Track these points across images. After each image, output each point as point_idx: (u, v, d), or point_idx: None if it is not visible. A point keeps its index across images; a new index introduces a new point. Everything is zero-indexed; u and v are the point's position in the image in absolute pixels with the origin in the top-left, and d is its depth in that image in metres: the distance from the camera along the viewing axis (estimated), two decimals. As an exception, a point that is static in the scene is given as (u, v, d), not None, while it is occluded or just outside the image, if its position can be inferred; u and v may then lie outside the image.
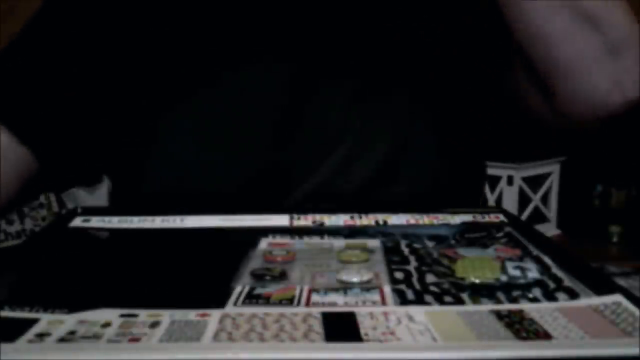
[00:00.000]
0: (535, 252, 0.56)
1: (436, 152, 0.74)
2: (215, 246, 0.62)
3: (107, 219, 0.66)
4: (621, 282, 0.44)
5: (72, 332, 0.38)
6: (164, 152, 0.74)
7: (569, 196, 1.89)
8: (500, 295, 0.48)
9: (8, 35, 0.70)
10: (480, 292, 0.49)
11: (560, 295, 0.46)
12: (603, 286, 0.46)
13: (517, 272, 0.50)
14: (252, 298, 0.46)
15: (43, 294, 0.46)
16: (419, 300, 0.46)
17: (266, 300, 0.45)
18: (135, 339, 0.37)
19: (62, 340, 0.37)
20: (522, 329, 0.39)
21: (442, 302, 0.46)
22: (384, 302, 0.45)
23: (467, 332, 0.39)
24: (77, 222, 0.66)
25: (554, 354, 0.35)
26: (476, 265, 0.51)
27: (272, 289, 0.48)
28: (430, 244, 0.63)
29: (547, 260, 0.54)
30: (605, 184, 1.87)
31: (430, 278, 0.52)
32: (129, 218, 0.67)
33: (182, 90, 0.74)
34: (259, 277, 0.50)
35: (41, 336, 0.37)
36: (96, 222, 0.66)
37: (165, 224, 0.66)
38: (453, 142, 0.72)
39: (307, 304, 0.45)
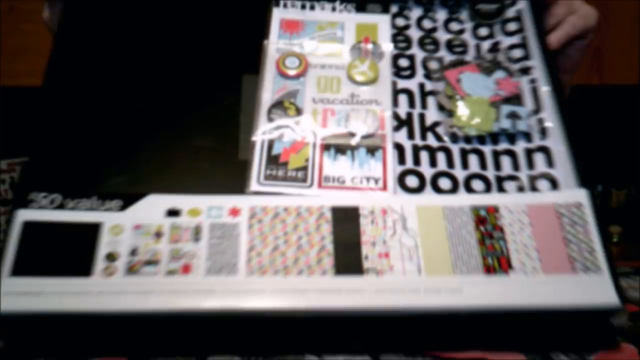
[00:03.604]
0: (534, 74, 0.59)
1: None
2: (224, 21, 0.62)
3: None
4: (621, 282, 0.50)
5: (134, 251, 0.48)
6: None
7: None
8: (487, 148, 0.55)
9: (8, 34, 0.54)
10: (471, 141, 0.56)
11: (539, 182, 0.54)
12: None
13: (508, 123, 0.56)
14: (272, 164, 0.53)
15: None
16: (416, 161, 0.54)
17: (284, 173, 0.53)
18: (187, 267, 0.47)
19: (129, 266, 0.47)
20: (491, 246, 0.49)
21: (433, 163, 0.54)
22: (385, 181, 0.53)
23: (444, 244, 0.49)
24: None
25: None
26: (475, 111, 0.56)
27: (288, 143, 0.54)
28: (442, 15, 0.64)
29: (542, 91, 0.58)
30: (605, 184, 1.78)
31: (430, 114, 0.57)
32: None
33: None
34: (275, 119, 0.55)
35: (111, 258, 0.47)
36: None
37: None
38: None
39: (320, 182, 0.52)
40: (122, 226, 0.49)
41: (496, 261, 0.49)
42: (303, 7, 0.63)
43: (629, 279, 0.59)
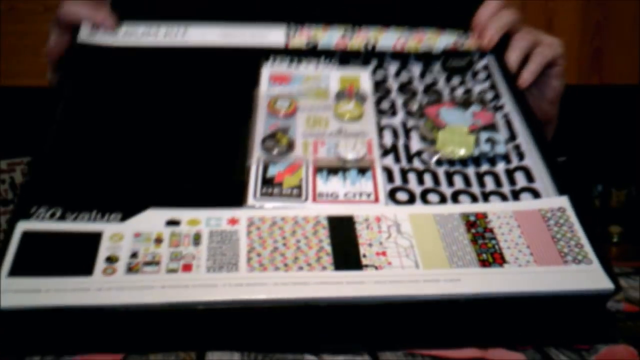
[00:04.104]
0: (506, 109, 0.64)
1: None
2: (219, 76, 0.67)
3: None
4: (621, 282, 0.52)
5: (135, 254, 0.48)
6: None
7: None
8: (470, 170, 0.58)
9: (8, 34, 0.64)
10: (455, 164, 0.59)
11: (522, 195, 0.56)
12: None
13: (487, 147, 0.59)
14: (267, 184, 0.55)
15: None
16: (404, 180, 0.57)
17: (279, 191, 0.55)
18: (187, 266, 0.48)
19: (129, 266, 0.47)
20: (484, 244, 0.51)
21: (421, 182, 0.57)
22: (376, 195, 0.55)
23: (438, 244, 0.50)
24: (84, 35, 0.69)
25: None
26: (455, 139, 0.60)
27: (282, 167, 0.57)
28: (416, 68, 0.69)
29: (515, 122, 0.62)
30: (605, 184, 1.82)
31: (414, 144, 0.61)
32: (133, 29, 0.70)
33: None
34: (269, 149, 0.58)
35: (111, 260, 0.48)
36: (101, 37, 0.69)
37: (169, 39, 0.70)
38: None
39: (314, 197, 0.54)
40: (122, 234, 0.50)
41: (490, 256, 0.50)
42: (291, 63, 0.69)
43: (629, 279, 0.60)
